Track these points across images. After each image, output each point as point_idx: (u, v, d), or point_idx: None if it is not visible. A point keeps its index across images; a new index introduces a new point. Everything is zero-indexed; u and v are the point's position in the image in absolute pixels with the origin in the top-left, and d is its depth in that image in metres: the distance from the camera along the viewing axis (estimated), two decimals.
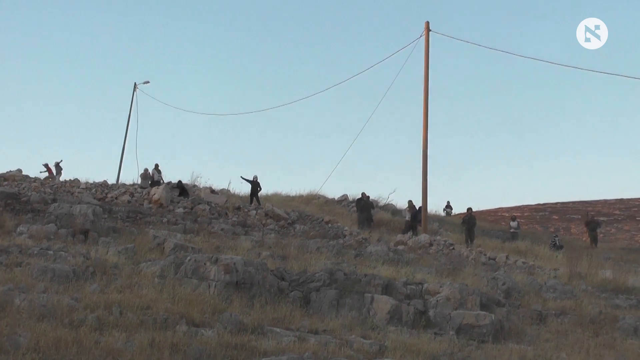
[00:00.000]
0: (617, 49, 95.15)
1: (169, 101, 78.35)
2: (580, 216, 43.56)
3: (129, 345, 7.61)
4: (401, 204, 32.86)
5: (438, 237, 25.73)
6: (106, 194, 27.15)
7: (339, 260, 17.04)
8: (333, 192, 44.25)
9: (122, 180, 36.45)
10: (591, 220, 34.57)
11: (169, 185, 28.86)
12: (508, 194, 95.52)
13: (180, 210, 25.42)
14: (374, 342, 9.28)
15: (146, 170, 31.83)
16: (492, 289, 14.47)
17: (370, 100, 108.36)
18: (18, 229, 16.33)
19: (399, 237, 25.38)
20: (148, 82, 43.02)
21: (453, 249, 23.61)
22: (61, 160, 35.70)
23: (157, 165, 32.30)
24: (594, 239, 32.83)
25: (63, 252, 13.21)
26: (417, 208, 29.40)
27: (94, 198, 25.63)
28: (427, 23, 29.36)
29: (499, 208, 49.86)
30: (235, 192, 34.05)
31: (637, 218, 45.21)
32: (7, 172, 29.86)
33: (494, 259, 22.13)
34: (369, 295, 11.74)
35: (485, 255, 22.63)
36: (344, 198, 37.24)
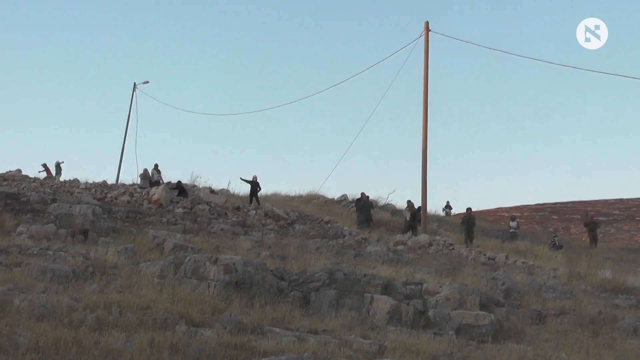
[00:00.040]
0: (617, 49, 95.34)
1: (169, 101, 78.51)
2: (579, 216, 43.59)
3: (128, 345, 7.60)
4: (401, 204, 32.91)
5: (437, 237, 25.74)
6: (106, 194, 27.16)
7: (339, 260, 17.04)
8: (332, 192, 44.31)
9: (121, 180, 36.47)
10: (590, 220, 34.59)
11: (168, 186, 28.85)
12: (507, 194, 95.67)
13: (180, 210, 25.43)
14: (373, 342, 9.28)
15: (145, 170, 31.82)
16: (492, 289, 14.47)
17: (370, 100, 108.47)
18: (18, 229, 16.32)
19: (399, 237, 25.39)
20: (147, 82, 43.06)
21: (452, 249, 23.61)
22: (62, 162, 35.64)
23: (156, 166, 32.30)
24: (594, 239, 32.87)
25: (62, 252, 13.21)
26: (417, 208, 29.43)
27: (94, 198, 25.64)
28: (427, 23, 29.39)
29: (499, 208, 49.91)
30: (235, 192, 34.09)
31: (637, 218, 45.25)
32: (6, 172, 29.86)
33: (494, 259, 22.14)
34: (369, 295, 11.74)
35: (484, 255, 22.64)
36: (344, 198, 37.25)
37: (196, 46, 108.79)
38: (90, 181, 30.20)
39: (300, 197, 36.60)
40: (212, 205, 27.04)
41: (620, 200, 51.48)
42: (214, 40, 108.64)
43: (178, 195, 28.27)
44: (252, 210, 27.62)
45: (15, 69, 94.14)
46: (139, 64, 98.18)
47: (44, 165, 34.53)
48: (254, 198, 30.61)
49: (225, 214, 26.30)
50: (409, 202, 30.57)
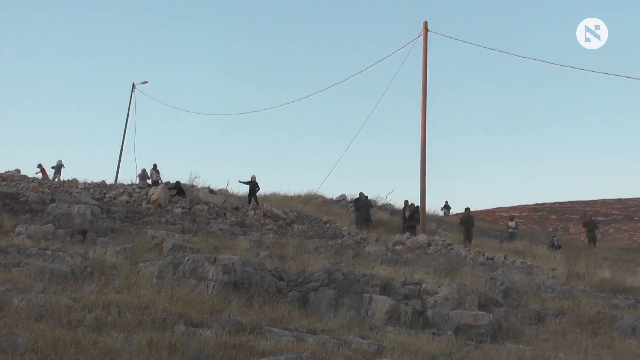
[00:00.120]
0: (617, 49, 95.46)
1: (168, 101, 78.42)
2: (578, 216, 43.61)
3: (127, 346, 7.60)
4: (400, 204, 32.91)
5: (436, 237, 25.74)
6: (104, 194, 27.15)
7: (337, 260, 17.05)
8: (331, 192, 44.39)
9: (120, 180, 36.50)
10: (589, 220, 34.62)
11: (167, 186, 28.84)
12: (506, 194, 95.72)
13: (179, 210, 25.42)
14: (372, 342, 9.28)
15: (144, 170, 31.80)
16: (491, 289, 14.47)
17: (369, 100, 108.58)
18: (16, 229, 16.31)
19: (397, 237, 25.39)
20: (146, 82, 43.07)
21: (451, 249, 23.61)
22: (63, 166, 35.41)
23: (155, 166, 32.29)
24: (592, 239, 32.89)
25: (61, 252, 13.20)
26: (415, 207, 29.47)
27: (92, 198, 25.63)
28: (426, 23, 29.40)
29: (497, 208, 49.95)
30: (234, 192, 34.09)
31: (635, 218, 45.28)
32: (5, 172, 29.84)
33: (492, 259, 22.14)
34: (367, 295, 11.74)
35: (483, 255, 22.64)
36: (342, 198, 37.26)
37: (195, 46, 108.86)
38: (89, 181, 30.22)
39: (299, 197, 36.62)
40: (211, 205, 27.04)
41: (619, 200, 51.53)
42: (213, 40, 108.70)
43: (176, 195, 28.26)
44: (250, 210, 27.62)
45: (14, 69, 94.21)
46: (137, 64, 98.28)
47: (40, 166, 34.43)
48: (252, 198, 30.61)
49: (224, 214, 26.30)
50: (406, 202, 30.64)
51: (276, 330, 9.40)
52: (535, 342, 10.88)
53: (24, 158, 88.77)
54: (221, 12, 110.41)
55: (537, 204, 52.22)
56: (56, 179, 33.26)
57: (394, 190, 54.12)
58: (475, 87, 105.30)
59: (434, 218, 36.18)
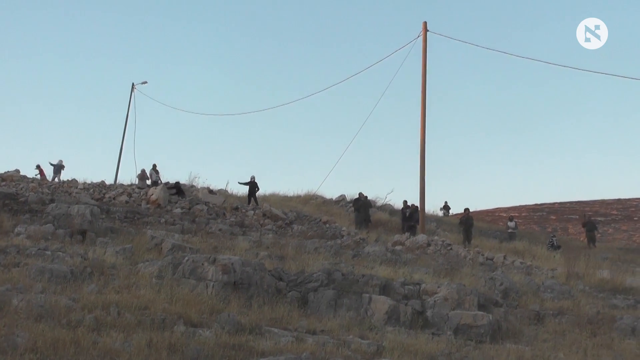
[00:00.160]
0: (617, 49, 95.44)
1: (167, 101, 78.43)
2: (577, 216, 43.61)
3: (126, 346, 7.60)
4: (399, 204, 32.88)
5: (436, 238, 25.75)
6: (104, 194, 27.15)
7: (337, 260, 17.05)
8: (331, 192, 44.36)
9: (120, 180, 36.48)
10: (588, 220, 34.62)
11: (166, 186, 28.83)
12: (506, 194, 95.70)
13: (178, 210, 25.42)
14: (371, 343, 9.29)
15: (143, 171, 31.78)
16: (490, 289, 14.48)
17: (368, 101, 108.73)
18: (16, 230, 16.30)
19: (397, 237, 25.40)
20: (146, 82, 43.07)
21: (451, 249, 23.62)
22: (63, 167, 35.30)
23: (154, 166, 32.28)
24: (592, 239, 32.89)
25: (61, 253, 13.20)
26: (414, 207, 29.51)
27: (92, 198, 25.63)
28: (425, 23, 29.41)
29: (497, 208, 49.93)
30: (233, 193, 34.08)
31: (635, 218, 45.28)
32: (4, 172, 29.83)
33: (492, 259, 22.14)
34: (367, 295, 11.75)
35: (482, 255, 22.64)
36: (342, 198, 37.24)
37: (194, 46, 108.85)
38: (89, 181, 30.21)
39: (298, 197, 36.60)
40: (211, 205, 27.04)
41: (619, 201, 51.52)
42: (212, 41, 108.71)
43: (175, 195, 28.25)
44: (250, 210, 27.63)
45: (13, 69, 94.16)
46: (137, 64, 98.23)
47: (38, 167, 34.37)
48: (252, 198, 30.61)
49: (224, 214, 26.30)
50: (405, 202, 30.71)
51: (276, 330, 9.41)
52: (534, 342, 10.88)
53: (23, 158, 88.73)
54: (221, 12, 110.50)
55: (536, 204, 52.21)
56: (56, 179, 33.22)
57: (393, 190, 54.26)
58: (474, 87, 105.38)
59: (434, 218, 36.18)
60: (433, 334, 10.74)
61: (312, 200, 35.72)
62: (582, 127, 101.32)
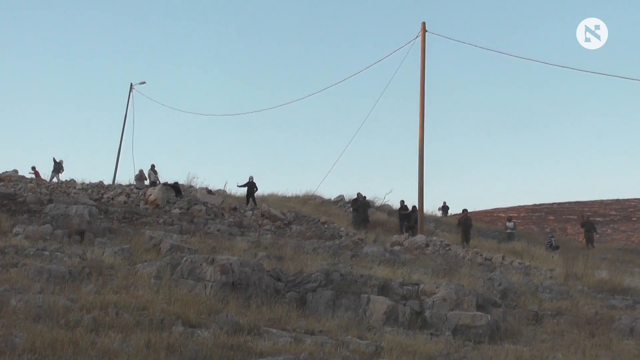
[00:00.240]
0: (617, 49, 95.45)
1: (166, 101, 78.45)
2: (576, 217, 43.62)
3: (125, 346, 7.60)
4: (398, 204, 32.81)
5: (434, 238, 25.76)
6: (102, 194, 27.13)
7: (335, 260, 17.06)
8: (329, 192, 44.34)
9: (118, 180, 36.40)
10: (587, 221, 34.63)
11: (165, 186, 28.79)
12: (504, 195, 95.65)
13: (177, 211, 25.41)
14: (370, 343, 9.29)
15: (141, 171, 31.74)
16: (488, 290, 14.49)
17: (367, 101, 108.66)
18: (14, 230, 16.29)
19: (395, 237, 25.40)
20: (144, 82, 43.01)
21: (449, 249, 23.63)
22: (62, 168, 35.15)
23: (153, 166, 32.25)
24: (590, 240, 32.90)
25: (59, 253, 13.19)
26: (412, 207, 29.56)
27: (90, 199, 25.61)
28: (424, 24, 29.42)
29: (496, 209, 49.91)
30: (232, 193, 34.06)
31: (633, 219, 45.29)
32: (3, 172, 29.79)
33: (490, 260, 22.14)
34: (365, 295, 11.75)
35: (481, 255, 22.64)
36: (340, 199, 37.21)
37: (193, 46, 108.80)
38: (87, 182, 30.17)
39: (297, 197, 36.57)
40: (209, 205, 27.04)
41: (617, 201, 51.53)
42: (211, 41, 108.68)
43: (173, 194, 28.22)
44: (248, 210, 27.62)
45: (12, 69, 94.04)
46: (135, 65, 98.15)
47: (34, 169, 34.27)
48: (250, 199, 30.60)
49: (222, 214, 26.29)
50: (402, 202, 30.74)
51: (274, 330, 9.41)
52: (533, 342, 10.89)
53: (21, 158, 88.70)
54: (219, 12, 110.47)
55: (535, 205, 52.21)
56: (54, 179, 33.14)
57: (392, 190, 54.12)
58: (473, 87, 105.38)
59: (432, 219, 36.16)
60: (431, 334, 10.74)
61: (310, 200, 35.69)
62: (581, 127, 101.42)
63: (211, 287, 11.08)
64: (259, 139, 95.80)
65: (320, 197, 36.64)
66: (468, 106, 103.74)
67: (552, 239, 31.43)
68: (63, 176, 34.16)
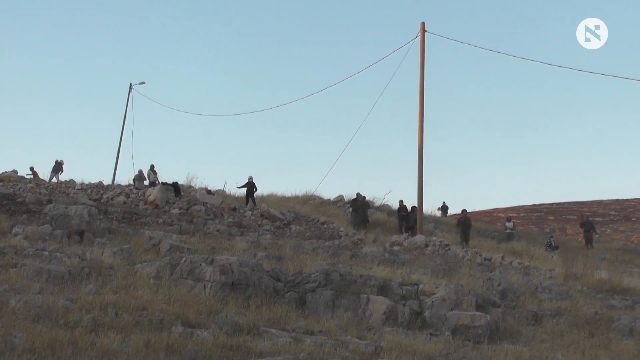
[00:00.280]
0: (617, 49, 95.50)
1: (165, 102, 78.34)
2: (575, 217, 43.63)
3: (124, 346, 7.60)
4: (397, 204, 32.81)
5: (434, 238, 25.76)
6: (102, 194, 27.12)
7: (335, 261, 17.06)
8: (329, 192, 44.32)
9: (117, 181, 36.40)
10: (586, 221, 34.64)
11: (164, 186, 28.77)
12: (504, 195, 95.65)
13: (176, 211, 25.41)
14: (369, 343, 9.29)
15: (140, 172, 31.72)
16: (488, 290, 14.49)
17: (367, 101, 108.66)
18: (13, 230, 16.29)
19: (395, 237, 25.41)
20: (143, 82, 43.00)
21: (449, 249, 23.63)
22: (62, 169, 35.02)
23: (152, 166, 32.26)
24: (589, 240, 32.90)
25: (58, 253, 13.19)
26: (411, 207, 29.57)
27: (90, 199, 25.61)
28: (423, 24, 29.42)
29: (495, 209, 49.92)
30: (231, 193, 34.05)
31: (633, 219, 45.30)
32: (2, 173, 29.77)
33: (490, 260, 22.15)
34: (365, 296, 11.75)
35: (480, 256, 22.65)
36: (340, 199, 37.21)
37: (193, 46, 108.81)
38: (86, 182, 30.15)
39: (296, 197, 36.57)
40: (208, 206, 27.03)
41: (617, 201, 51.55)
42: (210, 41, 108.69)
43: (172, 194, 28.22)
44: (248, 211, 27.62)
45: (11, 69, 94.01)
46: (135, 65, 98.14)
47: (32, 169, 34.23)
48: (250, 199, 30.60)
49: (222, 214, 26.28)
50: (401, 202, 30.76)
51: (273, 331, 9.41)
52: (532, 342, 10.89)
53: (21, 159, 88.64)
54: (219, 12, 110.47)
55: (534, 205, 52.22)
56: (53, 179, 33.10)
57: (391, 190, 54.09)
58: (473, 87, 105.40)
59: (432, 219, 36.16)
60: (431, 334, 10.74)
61: (310, 200, 35.68)
62: (581, 127, 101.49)
63: (210, 287, 11.08)
64: (258, 139, 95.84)
65: (320, 197, 36.64)
66: (467, 106, 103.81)
67: (552, 239, 31.43)
68: (62, 176, 34.17)
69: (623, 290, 16.90)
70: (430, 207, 38.94)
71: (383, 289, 12.49)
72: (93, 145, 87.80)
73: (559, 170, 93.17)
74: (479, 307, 12.19)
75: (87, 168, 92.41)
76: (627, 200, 51.51)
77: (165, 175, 33.28)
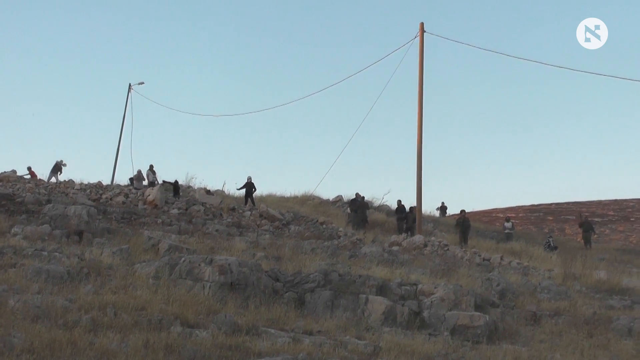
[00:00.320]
0: (617, 49, 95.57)
1: (164, 102, 78.16)
2: (574, 217, 43.63)
3: (123, 346, 7.60)
4: (396, 205, 32.82)
5: (432, 238, 25.77)
6: (101, 194, 27.11)
7: (334, 261, 17.05)
8: (328, 192, 44.26)
9: (116, 181, 36.39)
10: (585, 221, 34.64)
11: (163, 186, 28.76)
12: (503, 195, 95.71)
13: (175, 211, 25.40)
14: (368, 343, 9.30)
15: (139, 172, 31.71)
16: (487, 290, 14.50)
17: (366, 101, 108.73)
18: (12, 230, 16.28)
19: (394, 238, 25.41)
20: (143, 82, 43.01)
21: (447, 249, 23.64)
22: (61, 170, 34.93)
23: (151, 166, 32.26)
24: (588, 240, 32.90)
25: (57, 253, 13.18)
26: (410, 208, 29.60)
27: (89, 199, 25.59)
28: (422, 24, 29.41)
29: (494, 209, 49.94)
30: (230, 193, 34.05)
31: (632, 219, 45.32)
32: (1, 173, 29.75)
33: (489, 260, 22.16)
34: (364, 296, 11.75)
35: (479, 256, 22.66)
36: (339, 199, 37.22)
37: (192, 46, 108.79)
38: (85, 182, 30.14)
39: (295, 198, 36.58)
40: (207, 206, 27.02)
41: (615, 201, 51.57)
42: (210, 41, 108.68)
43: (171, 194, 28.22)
44: (247, 211, 27.61)
45: (10, 69, 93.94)
46: (134, 65, 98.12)
47: (29, 169, 34.18)
48: (249, 199, 30.59)
49: (220, 214, 26.28)
50: (399, 202, 30.79)
51: (272, 331, 9.41)
52: (531, 342, 10.90)
53: (20, 159, 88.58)
54: (218, 12, 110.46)
55: (533, 205, 52.23)
56: (52, 179, 33.06)
57: (390, 191, 54.06)
58: (472, 87, 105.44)
59: (431, 219, 36.17)
60: (430, 334, 10.75)
61: (309, 201, 35.69)
62: (580, 127, 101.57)
63: (209, 288, 11.08)
64: (257, 139, 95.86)
65: (319, 198, 36.65)
66: (466, 106, 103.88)
67: (551, 239, 31.44)
68: (61, 177, 34.12)
69: (622, 291, 16.91)
70: (429, 207, 39.01)
71: (382, 289, 12.49)
72: (92, 146, 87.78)
73: (558, 171, 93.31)
74: (477, 307, 12.20)
75: (86, 168, 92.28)
76: (625, 200, 51.54)
77: (165, 176, 33.20)
